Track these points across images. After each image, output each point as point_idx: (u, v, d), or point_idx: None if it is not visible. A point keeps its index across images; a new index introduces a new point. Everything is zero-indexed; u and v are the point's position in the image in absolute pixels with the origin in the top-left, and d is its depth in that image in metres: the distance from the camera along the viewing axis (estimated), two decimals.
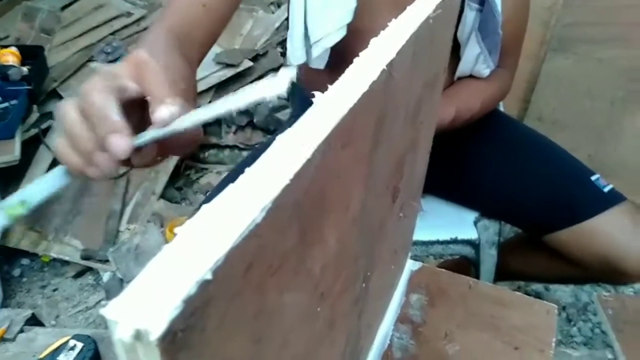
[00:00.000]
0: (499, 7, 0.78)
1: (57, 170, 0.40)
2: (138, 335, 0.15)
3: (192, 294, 0.16)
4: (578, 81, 1.29)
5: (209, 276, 0.16)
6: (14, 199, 0.37)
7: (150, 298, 0.15)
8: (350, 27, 0.74)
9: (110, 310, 0.15)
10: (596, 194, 0.84)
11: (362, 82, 0.27)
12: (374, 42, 0.31)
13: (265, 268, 0.21)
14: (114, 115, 0.36)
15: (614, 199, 0.83)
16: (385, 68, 0.29)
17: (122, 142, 0.35)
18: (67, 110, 0.38)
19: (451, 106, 0.80)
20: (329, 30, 0.74)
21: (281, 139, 0.22)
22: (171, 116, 0.36)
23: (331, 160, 0.25)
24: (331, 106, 0.25)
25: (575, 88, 1.31)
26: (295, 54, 0.77)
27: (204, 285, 0.16)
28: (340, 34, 0.74)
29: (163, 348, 0.15)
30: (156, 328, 0.15)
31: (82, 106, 0.37)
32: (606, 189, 0.84)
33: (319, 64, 0.77)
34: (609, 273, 0.82)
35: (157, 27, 0.59)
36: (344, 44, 0.75)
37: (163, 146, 0.40)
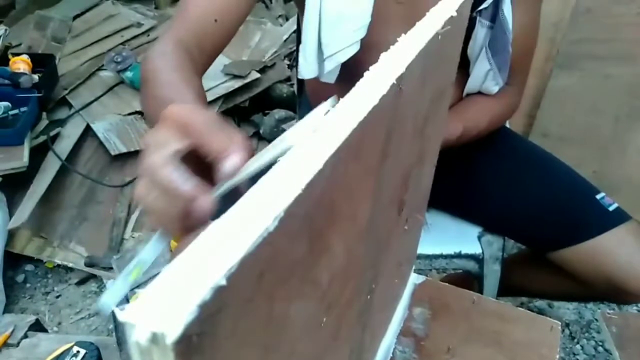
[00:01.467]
0: (510, 25, 0.78)
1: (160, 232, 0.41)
2: (154, 339, 0.15)
3: (207, 300, 0.16)
4: (583, 97, 1.30)
5: (223, 282, 0.17)
6: (130, 265, 0.38)
7: (166, 302, 0.16)
8: (362, 41, 0.75)
9: (128, 313, 0.16)
10: (601, 212, 0.84)
11: (372, 95, 0.27)
12: (383, 56, 0.32)
13: (276, 276, 0.22)
14: (187, 184, 0.35)
15: (619, 218, 0.83)
16: (395, 82, 0.29)
17: (204, 204, 0.35)
18: (140, 193, 0.37)
19: (459, 122, 0.80)
20: (343, 45, 0.74)
21: (294, 151, 0.23)
22: (235, 167, 0.36)
23: (341, 172, 0.26)
24: (342, 119, 0.25)
25: (580, 104, 1.31)
26: (308, 68, 0.77)
27: (219, 291, 0.17)
28: (354, 48, 0.74)
29: (178, 352, 0.15)
30: (172, 332, 0.15)
31: (152, 186, 0.36)
32: (611, 208, 0.84)
33: (330, 78, 0.78)
34: (612, 292, 0.82)
35: (167, 39, 0.60)
36: (354, 58, 0.76)
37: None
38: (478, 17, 0.77)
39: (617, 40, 1.19)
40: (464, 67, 0.83)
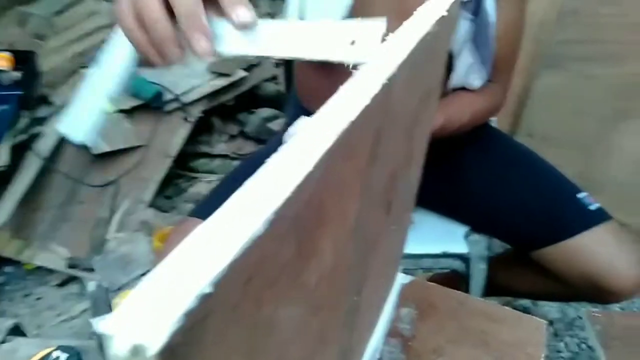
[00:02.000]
0: (493, 19, 0.78)
1: (119, 50, 0.39)
2: (135, 351, 0.14)
3: (192, 308, 0.15)
4: (568, 98, 1.31)
5: (209, 289, 0.16)
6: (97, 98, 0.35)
7: (148, 312, 0.15)
8: None
9: (106, 323, 0.15)
10: (582, 211, 0.84)
11: (363, 95, 0.27)
12: (374, 59, 0.31)
13: (264, 280, 0.21)
14: (203, 16, 0.35)
15: (599, 217, 0.84)
16: (387, 82, 0.29)
17: (207, 47, 0.35)
18: (122, 13, 0.37)
19: (440, 114, 0.80)
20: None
21: (282, 151, 0.22)
22: (253, 22, 0.36)
23: (331, 173, 0.25)
24: (333, 119, 0.25)
25: (565, 105, 1.33)
26: None
27: (204, 298, 0.16)
28: None
29: None
30: (154, 343, 0.14)
31: (134, 10, 0.37)
32: (592, 207, 0.85)
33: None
34: (593, 291, 0.83)
35: None
36: None
37: None
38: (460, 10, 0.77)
39: (603, 41, 1.20)
40: (447, 61, 0.83)
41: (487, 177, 0.91)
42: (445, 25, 0.42)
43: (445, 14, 0.39)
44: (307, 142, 0.23)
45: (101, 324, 0.15)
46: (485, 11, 0.77)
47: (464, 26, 0.78)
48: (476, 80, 0.84)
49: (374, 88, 0.28)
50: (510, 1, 0.82)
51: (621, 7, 1.15)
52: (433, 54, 0.44)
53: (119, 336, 0.14)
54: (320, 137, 0.23)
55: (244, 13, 0.36)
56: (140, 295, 0.16)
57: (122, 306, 0.15)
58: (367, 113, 0.27)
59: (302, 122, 0.36)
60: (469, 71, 0.83)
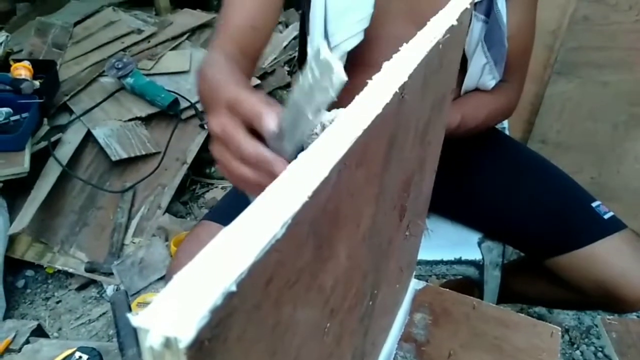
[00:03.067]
0: (505, 19, 0.79)
1: None
2: (167, 343, 0.16)
3: (218, 305, 0.17)
4: (581, 104, 1.30)
5: (233, 288, 0.17)
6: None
7: (178, 308, 0.16)
8: (365, 34, 0.77)
9: (141, 318, 0.16)
10: (596, 220, 0.84)
11: (375, 104, 0.28)
12: (386, 65, 0.32)
13: (283, 282, 0.22)
14: (267, 152, 0.42)
15: (614, 226, 0.83)
16: (398, 91, 0.30)
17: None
18: (216, 153, 0.47)
19: (457, 112, 0.81)
20: (348, 35, 0.77)
21: (300, 159, 0.23)
22: (271, 127, 0.41)
23: (346, 180, 0.26)
24: (347, 127, 0.26)
25: (578, 111, 1.32)
26: None
27: (229, 296, 0.17)
28: (358, 38, 0.77)
29: (190, 356, 0.16)
30: (185, 336, 0.15)
31: (224, 147, 0.45)
32: (606, 216, 0.84)
33: None
34: (607, 300, 0.82)
35: (213, 51, 0.70)
36: (358, 51, 0.78)
37: None
38: (473, 12, 0.78)
39: (614, 47, 1.20)
40: (461, 63, 0.84)
41: (501, 184, 0.92)
42: (456, 33, 0.43)
43: (455, 23, 0.40)
44: (323, 149, 0.24)
45: (136, 319, 0.16)
46: (497, 11, 0.78)
47: (477, 27, 0.79)
48: (490, 81, 0.84)
49: (387, 97, 0.29)
50: (523, 3, 0.82)
51: (632, 13, 1.15)
52: (445, 62, 0.45)
53: (153, 330, 0.16)
54: (335, 144, 0.24)
55: (267, 124, 0.42)
56: (171, 293, 0.17)
57: (154, 302, 0.16)
58: (380, 121, 0.28)
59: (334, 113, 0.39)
60: (482, 72, 0.83)
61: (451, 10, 0.42)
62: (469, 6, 0.45)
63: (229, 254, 0.18)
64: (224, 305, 0.17)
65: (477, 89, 0.86)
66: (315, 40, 0.80)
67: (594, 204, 0.86)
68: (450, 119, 0.79)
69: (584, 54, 1.23)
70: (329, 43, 0.79)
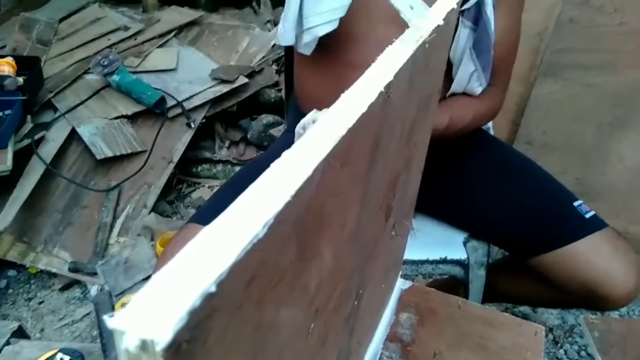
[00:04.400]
0: (492, 26, 0.80)
1: None
2: (144, 346, 0.15)
3: (197, 306, 0.16)
4: (566, 106, 1.32)
5: (213, 289, 0.17)
6: None
7: (155, 309, 0.16)
8: (345, 30, 0.78)
9: (117, 320, 0.16)
10: (578, 219, 0.85)
11: (360, 103, 0.28)
12: (372, 67, 0.32)
13: (265, 282, 0.22)
14: None
15: (595, 225, 0.84)
16: (383, 90, 0.30)
17: None
18: None
19: (446, 114, 0.81)
20: (322, 21, 0.77)
21: (284, 157, 0.23)
22: None
23: (330, 179, 0.26)
24: (331, 126, 0.26)
25: (563, 112, 1.33)
26: (286, 35, 0.81)
27: (208, 297, 0.17)
28: (332, 25, 0.77)
29: (167, 359, 0.15)
30: (162, 338, 0.15)
31: None
32: (588, 215, 0.85)
33: (307, 50, 0.81)
34: (589, 298, 0.83)
35: None
36: (337, 43, 0.79)
37: None
38: (461, 18, 0.79)
39: (599, 50, 1.21)
40: (446, 69, 0.84)
41: (485, 185, 0.92)
42: (442, 33, 0.43)
43: (441, 22, 0.40)
44: (307, 148, 0.24)
45: (112, 321, 0.16)
46: (486, 19, 0.79)
47: (464, 34, 0.79)
48: (477, 87, 0.85)
49: (372, 95, 0.29)
50: (508, 7, 0.83)
51: (617, 16, 1.16)
52: (431, 62, 0.45)
53: (129, 332, 0.15)
54: (319, 144, 0.24)
55: None
56: (149, 294, 0.16)
57: (131, 304, 0.16)
58: (365, 120, 0.28)
59: (312, 115, 0.38)
60: (470, 79, 0.84)
61: (438, 10, 0.42)
62: (455, 6, 0.45)
63: (209, 254, 0.18)
64: (203, 306, 0.17)
65: (463, 93, 0.87)
66: (288, 19, 0.80)
67: (575, 204, 0.87)
68: (439, 120, 0.80)
69: (569, 56, 1.24)
70: (302, 24, 0.79)
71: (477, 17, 0.79)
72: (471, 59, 0.81)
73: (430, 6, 0.41)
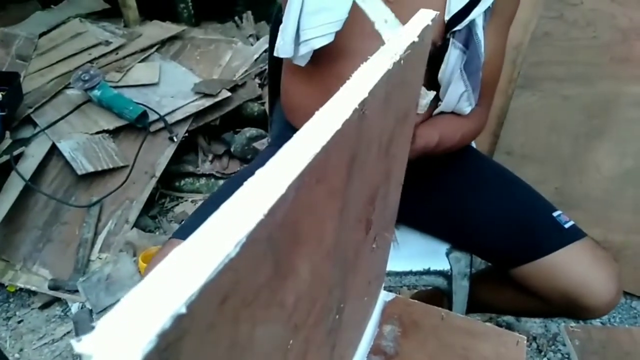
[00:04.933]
0: (482, 48, 0.82)
1: None
2: None
3: (167, 328, 0.16)
4: (544, 117, 1.34)
5: (183, 310, 0.17)
6: None
7: (123, 332, 0.16)
8: (339, 43, 0.79)
9: (84, 344, 0.15)
10: (557, 229, 0.86)
11: (335, 120, 0.28)
12: (347, 84, 0.32)
13: (239, 301, 0.22)
14: None
15: (574, 235, 0.85)
16: (358, 107, 0.30)
17: None
18: None
19: (436, 131, 0.83)
20: (318, 34, 0.79)
21: (257, 175, 0.23)
22: None
23: (305, 196, 0.26)
24: (305, 144, 0.26)
25: (541, 124, 1.36)
26: (285, 48, 0.82)
27: (179, 319, 0.17)
28: (328, 38, 0.78)
29: None
30: None
31: None
32: (567, 225, 0.86)
33: (302, 61, 0.83)
34: (570, 308, 0.84)
35: None
36: (329, 56, 0.80)
37: None
38: (452, 39, 0.80)
39: (573, 62, 1.24)
40: (435, 89, 0.86)
41: (466, 196, 0.93)
42: (417, 50, 0.44)
43: (416, 39, 0.41)
44: (281, 166, 0.24)
45: (79, 345, 0.15)
46: (477, 41, 0.81)
47: (454, 55, 0.81)
48: (466, 107, 0.87)
49: (346, 113, 0.29)
50: (496, 29, 0.85)
51: (590, 30, 1.20)
52: (407, 78, 0.46)
53: (95, 356, 0.15)
54: (293, 161, 0.24)
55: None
56: (117, 317, 0.16)
57: (99, 327, 0.16)
58: (340, 137, 0.28)
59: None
60: (460, 99, 0.85)
61: (412, 26, 0.43)
62: (430, 23, 0.46)
63: (179, 274, 0.18)
64: (173, 328, 0.16)
65: (451, 112, 0.88)
66: (286, 32, 0.81)
67: (555, 214, 0.88)
68: (429, 138, 0.82)
69: (545, 69, 1.27)
70: (299, 37, 0.81)
71: (467, 38, 0.80)
72: (462, 80, 0.83)
73: (404, 24, 0.41)
